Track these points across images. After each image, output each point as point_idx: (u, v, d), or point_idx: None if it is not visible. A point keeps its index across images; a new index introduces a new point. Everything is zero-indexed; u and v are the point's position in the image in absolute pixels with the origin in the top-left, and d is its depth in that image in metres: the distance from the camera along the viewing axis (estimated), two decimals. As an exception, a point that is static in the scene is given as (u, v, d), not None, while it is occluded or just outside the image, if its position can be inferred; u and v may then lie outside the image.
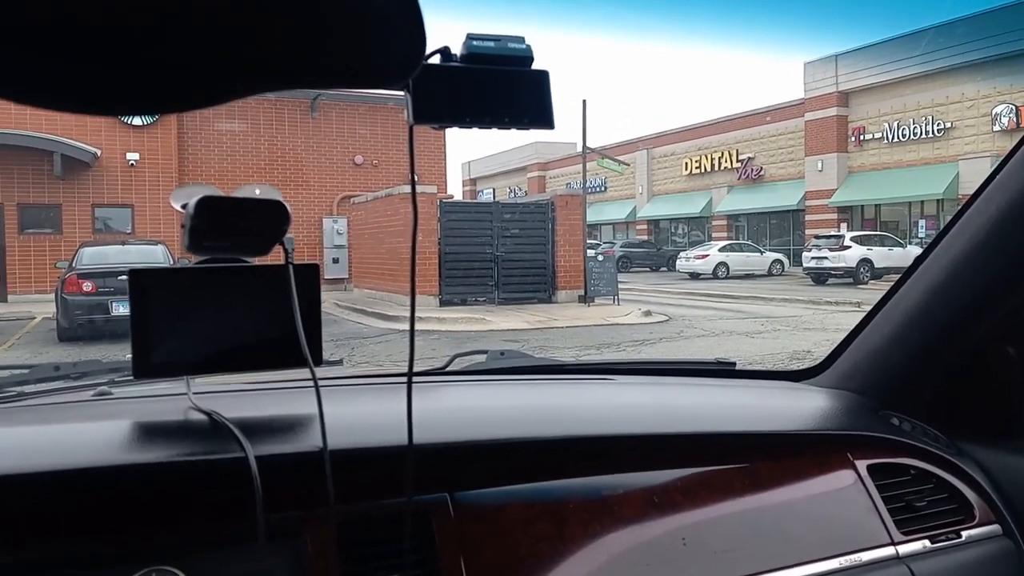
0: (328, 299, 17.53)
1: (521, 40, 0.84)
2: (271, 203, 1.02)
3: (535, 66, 0.85)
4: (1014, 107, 25.60)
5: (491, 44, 0.82)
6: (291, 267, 1.07)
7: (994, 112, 26.27)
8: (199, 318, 1.07)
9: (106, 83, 0.60)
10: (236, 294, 1.09)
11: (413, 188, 0.86)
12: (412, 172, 0.82)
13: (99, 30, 0.57)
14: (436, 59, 0.81)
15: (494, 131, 0.83)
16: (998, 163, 1.42)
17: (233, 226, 1.03)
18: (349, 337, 12.11)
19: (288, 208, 1.02)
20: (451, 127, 0.83)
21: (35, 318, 15.00)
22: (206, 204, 0.99)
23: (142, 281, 1.04)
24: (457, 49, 0.82)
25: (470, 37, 0.82)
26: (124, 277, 1.04)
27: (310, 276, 1.10)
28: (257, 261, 1.11)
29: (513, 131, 0.85)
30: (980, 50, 24.62)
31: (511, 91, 0.82)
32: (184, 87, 0.62)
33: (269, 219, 1.03)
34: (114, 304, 11.29)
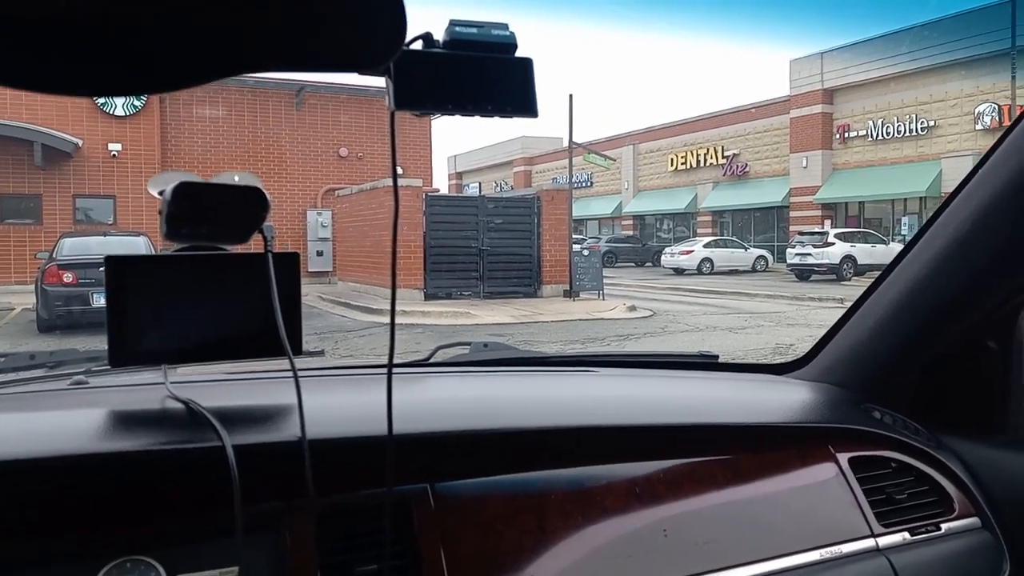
0: (312, 292, 17.47)
1: (505, 27, 0.83)
2: (249, 189, 1.01)
3: (519, 54, 0.84)
4: (996, 106, 25.83)
5: (474, 30, 0.81)
6: (270, 255, 1.05)
7: (977, 111, 26.50)
8: (177, 306, 1.06)
9: (85, 64, 0.59)
10: (215, 282, 1.08)
11: (394, 174, 0.85)
12: (393, 158, 0.81)
13: (80, 10, 0.56)
14: (418, 45, 0.80)
15: (480, 124, 0.83)
16: (979, 160, 1.43)
17: (211, 213, 1.02)
18: (333, 330, 12.06)
19: (267, 195, 1.01)
20: (433, 114, 0.82)
21: (15, 309, 14.84)
22: (183, 190, 0.97)
23: (119, 268, 1.03)
24: (439, 35, 0.81)
25: (453, 23, 0.81)
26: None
27: (290, 265, 1.09)
28: (239, 249, 1.09)
29: (499, 124, 0.84)
30: (964, 49, 24.85)
31: (494, 78, 0.81)
32: (160, 67, 0.61)
33: (247, 206, 1.02)
34: (95, 295, 11.18)
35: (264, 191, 1.01)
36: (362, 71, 0.71)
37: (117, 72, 0.62)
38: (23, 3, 0.55)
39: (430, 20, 0.82)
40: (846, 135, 31.19)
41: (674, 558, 1.17)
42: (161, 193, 0.99)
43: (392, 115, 0.79)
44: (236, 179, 1.06)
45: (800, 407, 1.56)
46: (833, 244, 25.31)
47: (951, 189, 1.49)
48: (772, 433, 1.42)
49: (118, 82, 0.65)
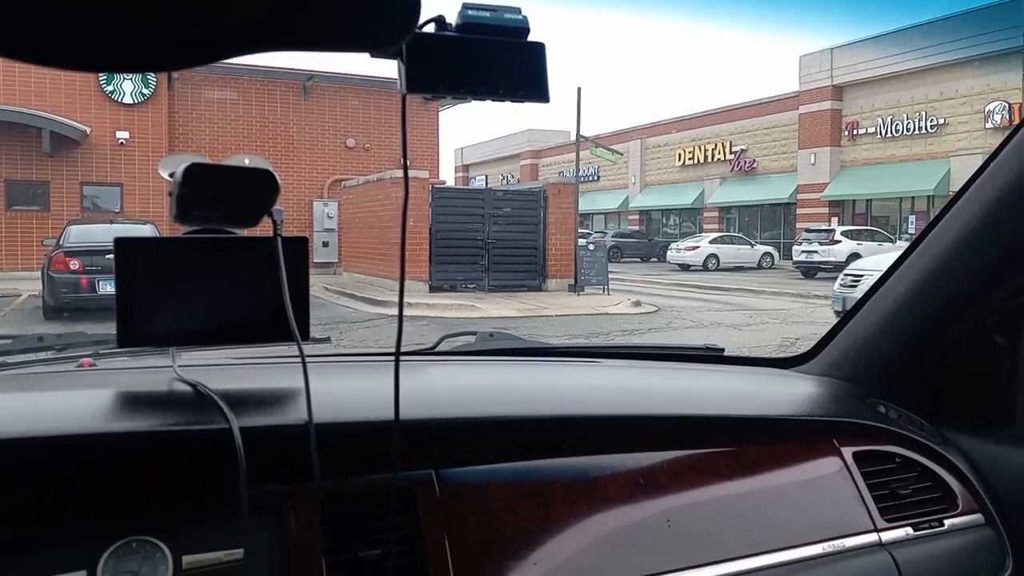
0: (317, 283, 17.49)
1: (517, 11, 0.83)
2: (260, 172, 1.01)
3: (531, 38, 0.83)
4: (1007, 104, 25.68)
5: (487, 14, 0.81)
6: (280, 239, 1.05)
7: (987, 109, 26.35)
8: (186, 289, 1.06)
9: (91, 36, 0.59)
10: (224, 266, 1.08)
11: (405, 158, 0.85)
12: (404, 143, 0.81)
13: None
14: (431, 27, 0.80)
15: (488, 116, 0.83)
16: (988, 156, 1.42)
17: (221, 195, 1.02)
18: (338, 321, 12.08)
19: (278, 178, 1.00)
20: (444, 97, 0.81)
21: (21, 295, 14.90)
22: (194, 172, 0.97)
23: (128, 251, 1.03)
24: (452, 18, 0.81)
25: (465, 6, 0.81)
26: (112, 255, 1.03)
27: (298, 249, 1.09)
28: (246, 233, 1.09)
29: (507, 116, 0.84)
30: (974, 47, 24.69)
31: (506, 62, 0.81)
32: (168, 45, 0.61)
33: (258, 188, 1.01)
34: (101, 282, 11.22)
35: (275, 174, 1.01)
36: (375, 53, 0.71)
37: (129, 47, 0.61)
38: None
39: (443, 3, 0.81)
40: (855, 132, 31.05)
41: (677, 549, 1.17)
42: (171, 175, 0.99)
43: (404, 98, 0.79)
44: (246, 162, 1.06)
45: (805, 400, 1.56)
46: (840, 242, 25.23)
47: (959, 188, 1.49)
48: (777, 426, 1.42)
49: (129, 57, 0.65)
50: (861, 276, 9.79)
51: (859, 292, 9.48)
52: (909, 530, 1.36)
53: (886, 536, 1.33)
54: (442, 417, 1.16)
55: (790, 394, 1.58)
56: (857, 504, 1.34)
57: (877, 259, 11.30)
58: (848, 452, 1.40)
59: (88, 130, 21.14)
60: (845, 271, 10.63)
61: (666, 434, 1.31)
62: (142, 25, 0.59)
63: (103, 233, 13.01)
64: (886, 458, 1.43)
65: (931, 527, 1.38)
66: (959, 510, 1.42)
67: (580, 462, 1.20)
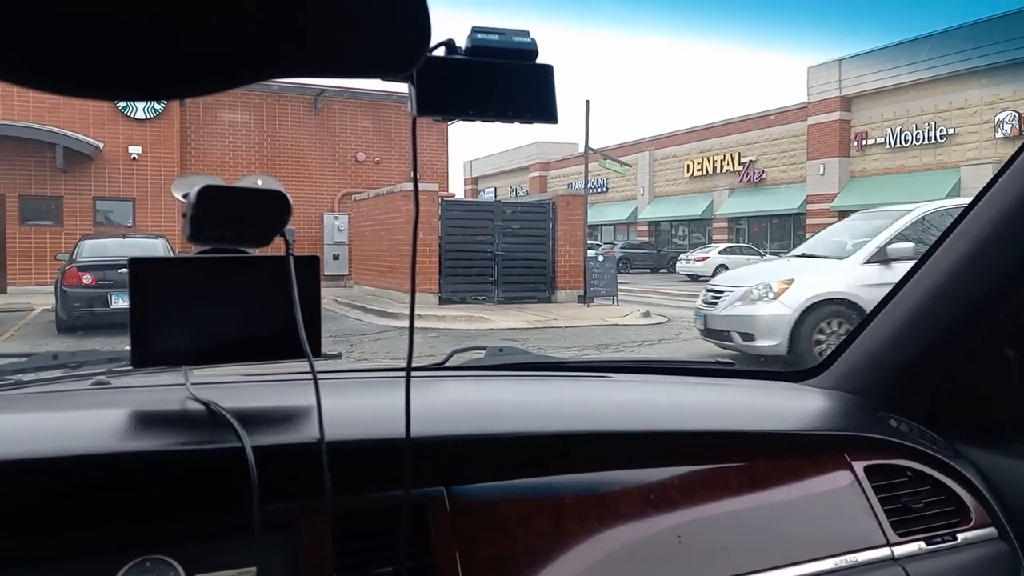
0: (328, 295, 17.52)
1: (526, 34, 0.84)
2: (272, 193, 1.02)
3: (539, 60, 0.85)
4: (1016, 114, 25.59)
5: (496, 37, 0.82)
6: (292, 258, 1.07)
7: (997, 119, 26.25)
8: (199, 308, 1.07)
9: (106, 66, 0.60)
10: (236, 285, 1.09)
11: (415, 179, 0.86)
12: (415, 164, 0.82)
13: (106, 10, 0.57)
14: (440, 51, 0.81)
15: (496, 129, 0.84)
16: (1000, 168, 1.42)
17: (234, 216, 1.03)
18: (348, 334, 12.10)
19: (289, 198, 1.02)
20: (454, 120, 0.83)
21: (34, 310, 15.00)
22: (207, 193, 0.99)
23: (142, 270, 1.04)
24: (462, 42, 0.82)
25: (475, 30, 0.82)
26: (124, 270, 1.04)
27: (310, 268, 1.10)
28: (258, 252, 1.11)
29: (515, 129, 0.85)
30: (983, 57, 24.63)
31: (515, 85, 0.82)
32: (182, 73, 0.62)
33: (270, 209, 1.03)
34: (114, 297, 11.29)
35: (287, 195, 1.02)
36: (386, 77, 0.72)
37: (144, 75, 0.62)
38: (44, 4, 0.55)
39: (452, 27, 0.83)
40: (864, 142, 30.98)
41: (688, 564, 1.17)
42: (185, 196, 1.00)
43: (414, 121, 0.80)
44: (259, 183, 1.07)
45: (816, 415, 1.56)
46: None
47: (970, 198, 1.49)
48: (787, 440, 1.41)
49: (145, 86, 0.66)
50: (722, 292, 9.22)
51: (719, 309, 9.24)
52: (922, 544, 1.35)
53: (899, 551, 1.32)
54: (453, 434, 1.17)
55: (800, 408, 1.58)
56: (869, 518, 1.34)
57: (736, 273, 10.59)
58: (859, 466, 1.39)
59: (101, 145, 21.31)
60: (706, 287, 9.87)
61: (677, 449, 1.31)
62: (152, 53, 0.60)
63: (116, 247, 13.10)
64: (898, 472, 1.43)
65: (944, 541, 1.37)
66: (972, 524, 1.41)
67: (591, 478, 1.21)
